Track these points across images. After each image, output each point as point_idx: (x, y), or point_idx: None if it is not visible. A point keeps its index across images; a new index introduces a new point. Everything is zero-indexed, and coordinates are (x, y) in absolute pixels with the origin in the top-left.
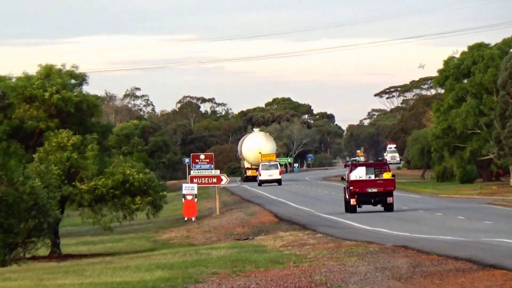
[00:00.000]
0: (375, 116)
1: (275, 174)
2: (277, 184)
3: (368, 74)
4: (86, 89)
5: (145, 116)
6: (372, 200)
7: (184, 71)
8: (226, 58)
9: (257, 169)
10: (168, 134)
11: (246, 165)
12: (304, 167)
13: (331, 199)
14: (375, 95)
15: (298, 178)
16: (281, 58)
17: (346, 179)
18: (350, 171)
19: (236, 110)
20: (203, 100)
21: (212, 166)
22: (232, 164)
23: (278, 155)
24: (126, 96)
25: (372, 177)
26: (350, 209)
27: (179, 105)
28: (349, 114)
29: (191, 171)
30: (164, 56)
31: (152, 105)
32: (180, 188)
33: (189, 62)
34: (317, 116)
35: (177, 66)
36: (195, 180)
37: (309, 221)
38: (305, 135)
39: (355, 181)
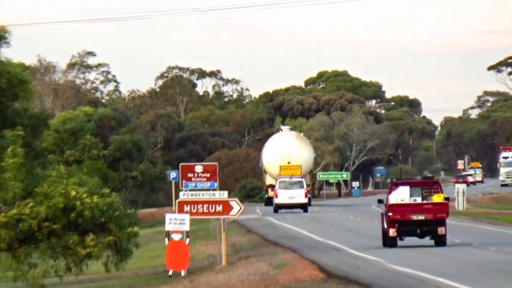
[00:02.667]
0: (489, 104)
1: (298, 195)
2: (301, 210)
3: (477, 33)
4: (6, 53)
5: (103, 101)
6: (418, 230)
7: (171, 25)
8: (239, 4)
9: None
10: (142, 131)
11: (269, 181)
12: (370, 188)
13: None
14: (489, 68)
15: (359, 204)
16: (331, 6)
17: (384, 202)
18: (389, 192)
19: (256, 92)
20: (201, 74)
21: (216, 184)
22: (249, 182)
23: (326, 167)
24: (72, 66)
25: (419, 200)
26: (389, 241)
27: (160, 82)
28: (445, 100)
29: (181, 193)
30: (138, 0)
31: (116, 81)
32: (162, 222)
33: (179, 10)
34: (392, 103)
35: (160, 16)
36: (186, 208)
37: (378, 280)
38: (372, 134)
39: (396, 205)
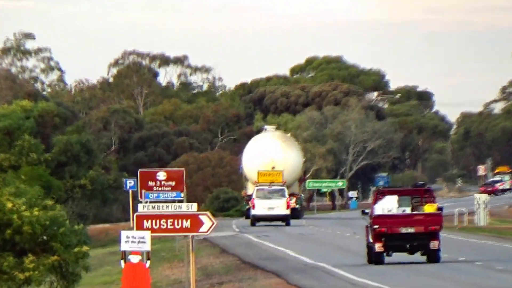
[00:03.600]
0: None
1: (279, 206)
2: (283, 223)
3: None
4: None
5: (44, 93)
6: (408, 245)
7: (127, 2)
8: None
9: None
10: (92, 130)
11: (250, 190)
12: (370, 199)
13: (426, 269)
14: None
15: (356, 218)
16: None
17: (369, 213)
18: (375, 201)
19: (231, 82)
20: (164, 61)
21: (183, 195)
22: (223, 191)
23: (316, 173)
24: (6, 51)
25: (408, 210)
26: (374, 257)
27: (114, 70)
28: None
29: (140, 205)
30: None
31: (60, 70)
32: (117, 240)
33: None
34: (397, 96)
35: None
36: (147, 224)
37: None
38: (373, 133)
39: (382, 216)
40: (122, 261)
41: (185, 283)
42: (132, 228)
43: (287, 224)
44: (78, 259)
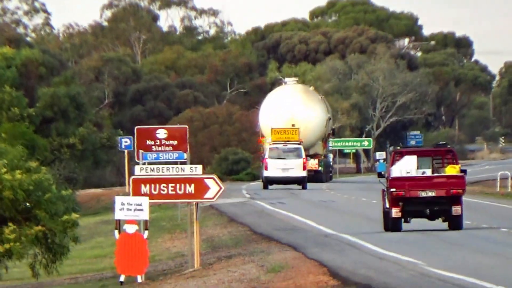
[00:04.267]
0: None
1: (295, 167)
2: (300, 187)
3: None
4: None
5: (28, 39)
6: (428, 210)
7: None
8: None
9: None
10: (83, 81)
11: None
12: None
13: (459, 238)
14: None
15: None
16: None
17: (386, 175)
18: (392, 163)
19: (242, 27)
20: (165, 2)
21: (186, 155)
22: (232, 152)
23: (339, 131)
24: None
25: (428, 172)
26: (391, 224)
27: (108, 13)
28: (506, 39)
29: (136, 168)
30: None
31: (46, 12)
32: (111, 207)
33: None
34: (432, 43)
35: None
36: (144, 189)
37: None
38: (404, 85)
39: (400, 179)
40: (116, 231)
41: (188, 257)
42: (128, 194)
43: (304, 187)
44: (66, 229)
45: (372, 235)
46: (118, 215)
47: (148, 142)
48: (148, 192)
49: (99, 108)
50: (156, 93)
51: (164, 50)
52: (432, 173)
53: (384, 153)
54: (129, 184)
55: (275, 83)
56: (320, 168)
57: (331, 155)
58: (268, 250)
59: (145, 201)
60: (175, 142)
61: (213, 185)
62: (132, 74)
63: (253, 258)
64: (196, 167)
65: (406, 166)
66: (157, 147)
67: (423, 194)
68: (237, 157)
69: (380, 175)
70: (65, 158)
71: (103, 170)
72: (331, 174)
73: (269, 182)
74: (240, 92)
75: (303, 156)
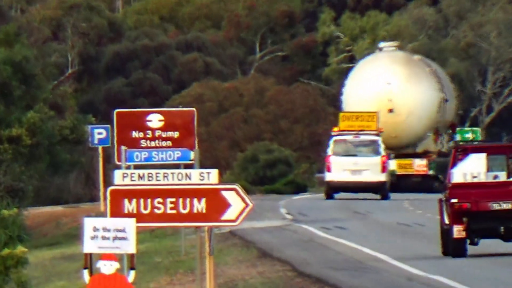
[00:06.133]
0: None
1: (370, 167)
2: (379, 196)
3: None
4: None
5: None
6: (502, 228)
7: None
8: None
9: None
10: (33, 39)
11: None
12: None
13: None
14: None
15: None
16: None
17: (445, 180)
18: (453, 163)
19: None
20: None
21: (193, 154)
22: (263, 147)
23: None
24: None
25: (502, 176)
26: (452, 247)
27: None
28: None
29: (117, 172)
30: None
31: None
32: (77, 234)
33: None
34: None
35: None
36: (129, 206)
37: None
38: None
39: (463, 185)
40: (86, 272)
41: None
42: (103, 215)
43: (384, 196)
44: (8, 269)
45: (491, 277)
46: (89, 246)
47: (135, 134)
48: (134, 212)
49: (59, 81)
50: (147, 59)
51: None
52: (508, 177)
53: None
54: (105, 199)
55: (331, 42)
56: (430, 172)
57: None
58: None
59: (130, 225)
60: (176, 134)
61: (236, 200)
62: (108, 29)
63: None
64: (209, 173)
65: (473, 168)
66: (148, 142)
67: (495, 206)
68: (273, 157)
69: (436, 178)
70: (6, 158)
71: (64, 178)
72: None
73: (333, 189)
74: (276, 57)
75: (382, 152)
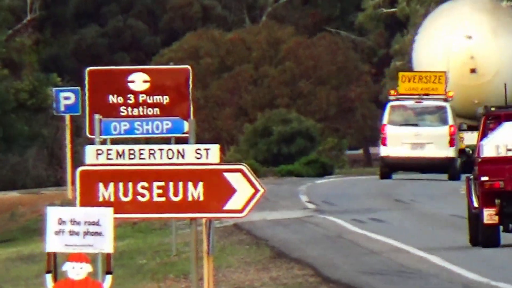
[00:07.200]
0: None
1: (434, 140)
2: (447, 176)
3: None
4: None
5: None
6: None
7: None
8: None
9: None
10: None
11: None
12: None
13: None
14: None
15: None
16: None
17: (474, 154)
18: (483, 133)
19: None
20: None
21: (188, 125)
22: (278, 118)
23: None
24: None
25: None
26: (483, 234)
27: None
28: None
29: (89, 148)
30: None
31: None
32: (39, 227)
33: None
34: None
35: None
36: (105, 192)
37: None
38: None
39: (495, 160)
40: (49, 277)
41: None
42: (72, 203)
43: (454, 176)
44: None
45: None
46: (53, 244)
47: (112, 99)
48: (112, 199)
49: (14, 31)
50: (127, 1)
51: None
52: None
53: None
54: (73, 184)
55: None
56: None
57: None
58: None
59: (106, 216)
60: (165, 99)
61: (242, 185)
62: None
63: None
64: (207, 149)
65: (507, 139)
66: (130, 110)
67: None
68: (290, 129)
69: (462, 151)
70: None
71: (21, 155)
72: None
73: (389, 166)
74: (294, 0)
75: (451, 121)
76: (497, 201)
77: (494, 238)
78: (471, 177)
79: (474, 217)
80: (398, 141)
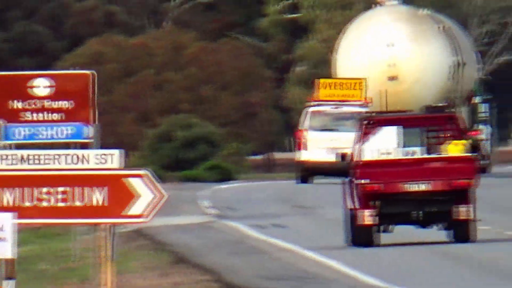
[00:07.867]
0: None
1: (352, 146)
2: None
3: None
4: None
5: None
6: (418, 213)
7: None
8: None
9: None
10: None
11: None
12: None
13: None
14: None
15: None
16: None
17: (353, 158)
18: (362, 137)
19: None
20: None
21: (90, 130)
22: (181, 123)
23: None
24: None
25: (418, 152)
26: (359, 234)
27: None
28: None
29: None
30: None
31: None
32: None
33: None
34: None
35: None
36: (7, 198)
37: None
38: None
39: (373, 163)
40: None
41: None
42: None
43: None
44: None
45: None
46: None
47: (15, 104)
48: (12, 204)
49: None
50: (31, 6)
51: None
52: (426, 153)
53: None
54: None
55: None
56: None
57: (487, 129)
58: None
59: (8, 221)
60: (69, 105)
61: (145, 190)
62: None
63: None
64: (111, 154)
65: (384, 143)
66: (33, 115)
67: (410, 187)
68: (192, 134)
69: (341, 156)
70: None
71: None
72: (487, 162)
73: (307, 171)
74: (198, 5)
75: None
76: (377, 203)
77: (369, 238)
78: (349, 179)
79: (351, 218)
80: (318, 145)
